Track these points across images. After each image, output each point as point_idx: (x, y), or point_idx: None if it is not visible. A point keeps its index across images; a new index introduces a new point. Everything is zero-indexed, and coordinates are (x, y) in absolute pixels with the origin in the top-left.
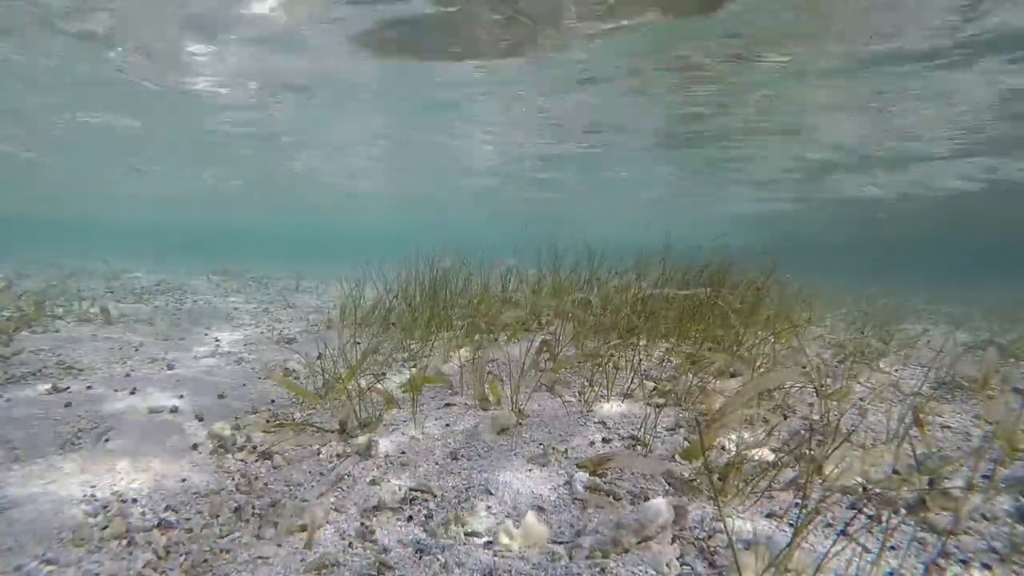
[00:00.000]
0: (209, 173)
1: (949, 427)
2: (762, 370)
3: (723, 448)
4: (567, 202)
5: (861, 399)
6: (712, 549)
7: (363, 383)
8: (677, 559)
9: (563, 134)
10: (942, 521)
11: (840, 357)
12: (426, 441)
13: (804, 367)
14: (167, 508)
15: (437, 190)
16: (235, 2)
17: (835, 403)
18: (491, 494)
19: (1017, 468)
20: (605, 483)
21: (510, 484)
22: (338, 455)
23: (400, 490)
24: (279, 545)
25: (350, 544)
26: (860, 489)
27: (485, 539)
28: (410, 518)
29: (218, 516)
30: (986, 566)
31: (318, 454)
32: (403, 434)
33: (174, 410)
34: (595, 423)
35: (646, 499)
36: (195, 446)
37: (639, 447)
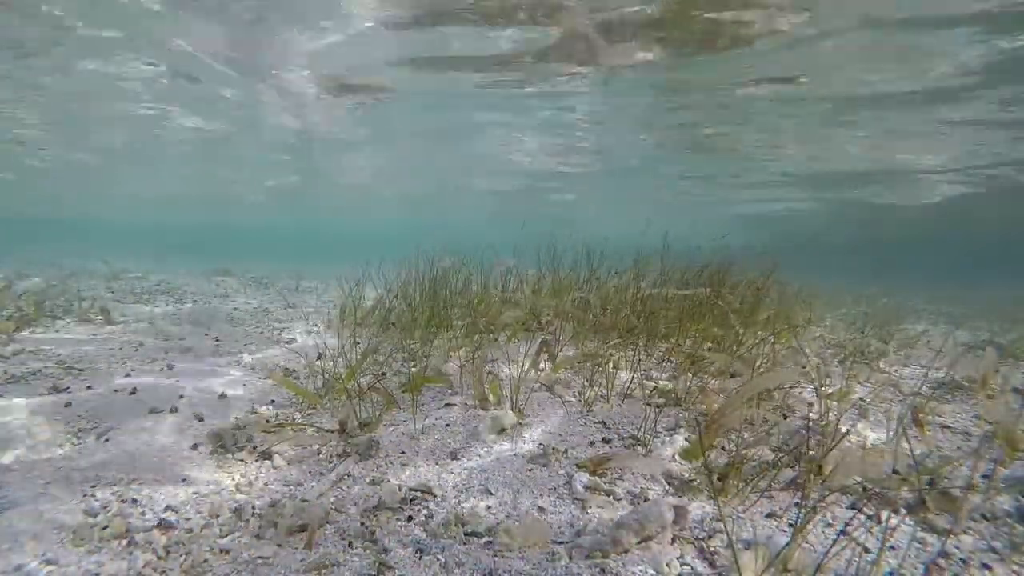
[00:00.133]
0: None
1: (949, 427)
2: (762, 370)
3: (723, 448)
4: (566, 203)
5: (861, 399)
6: (712, 549)
7: (363, 383)
8: (677, 559)
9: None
10: (942, 521)
11: (840, 357)
12: (426, 441)
13: (804, 367)
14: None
15: (447, 192)
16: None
17: (835, 403)
18: (491, 494)
19: (1017, 468)
20: (605, 483)
21: (510, 484)
22: (338, 455)
23: (400, 490)
24: (279, 545)
25: (350, 544)
26: (860, 489)
27: (485, 539)
28: (410, 518)
29: (218, 516)
30: (986, 566)
31: (318, 454)
32: (403, 434)
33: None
34: (595, 423)
35: (646, 499)
36: (195, 446)
37: (639, 447)
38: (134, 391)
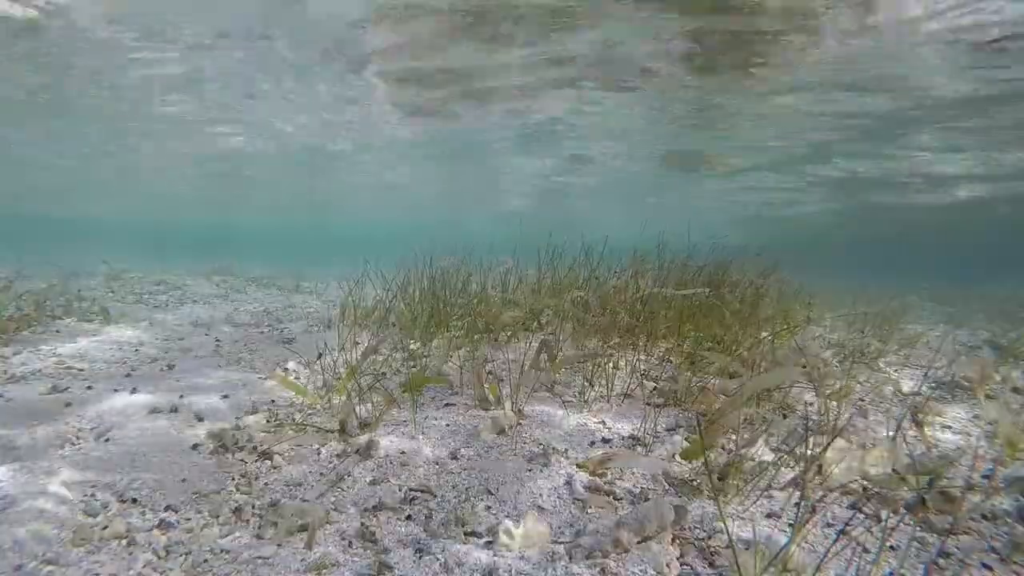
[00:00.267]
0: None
1: (949, 427)
2: (762, 370)
3: (723, 448)
4: (566, 203)
5: (861, 399)
6: (712, 549)
7: (363, 383)
8: (677, 559)
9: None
10: (942, 521)
11: (840, 357)
12: (426, 441)
13: (804, 367)
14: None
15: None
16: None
17: (834, 403)
18: (491, 494)
19: (1017, 468)
20: (605, 483)
21: (510, 484)
22: (338, 455)
23: (400, 490)
24: (279, 545)
25: (350, 544)
26: (860, 489)
27: (485, 539)
28: (410, 518)
29: (218, 516)
30: (986, 566)
31: (318, 454)
32: (403, 434)
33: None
34: (595, 423)
35: (646, 499)
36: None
37: (639, 447)
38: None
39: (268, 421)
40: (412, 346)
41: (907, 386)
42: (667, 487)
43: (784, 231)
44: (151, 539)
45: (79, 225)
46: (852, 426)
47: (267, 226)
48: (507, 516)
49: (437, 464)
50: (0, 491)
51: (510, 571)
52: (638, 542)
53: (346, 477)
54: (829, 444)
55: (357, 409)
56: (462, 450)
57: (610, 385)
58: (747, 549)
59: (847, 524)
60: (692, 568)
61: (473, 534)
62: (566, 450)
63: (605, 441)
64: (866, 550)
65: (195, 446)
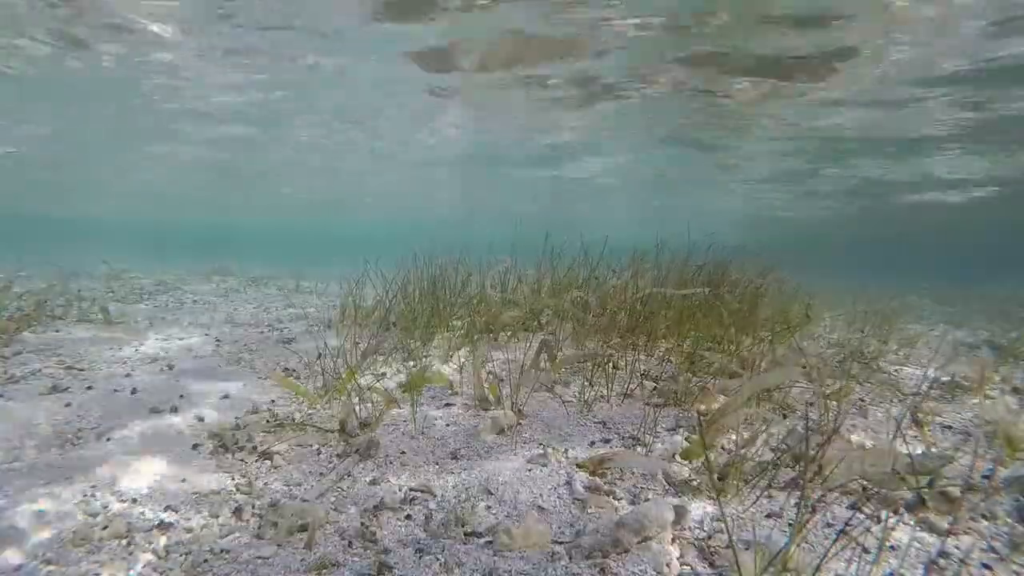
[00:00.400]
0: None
1: (949, 427)
2: (762, 369)
3: (723, 448)
4: (567, 202)
5: (861, 399)
6: (712, 549)
7: (363, 383)
8: (677, 559)
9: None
10: (942, 521)
11: (840, 357)
12: (426, 441)
13: (803, 367)
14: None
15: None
16: None
17: (834, 403)
18: (491, 494)
19: (1017, 468)
20: (605, 483)
21: (510, 484)
22: (338, 455)
23: (400, 490)
24: (279, 545)
25: (350, 544)
26: (860, 489)
27: (485, 539)
28: (409, 517)
29: (218, 516)
30: (986, 566)
31: (318, 454)
32: (403, 434)
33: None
34: (595, 423)
35: (646, 499)
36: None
37: (639, 447)
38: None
39: (268, 421)
40: (412, 346)
41: (907, 386)
42: (667, 487)
43: (784, 231)
44: (151, 539)
45: (79, 225)
46: (852, 426)
47: (267, 226)
48: (507, 516)
49: (437, 464)
50: None
51: (510, 571)
52: (638, 542)
53: (346, 477)
54: (828, 444)
55: (357, 409)
56: (462, 450)
57: (610, 385)
58: (747, 549)
59: (847, 524)
60: (692, 568)
61: (473, 534)
62: (566, 450)
63: (605, 441)
64: (866, 550)
65: (195, 446)
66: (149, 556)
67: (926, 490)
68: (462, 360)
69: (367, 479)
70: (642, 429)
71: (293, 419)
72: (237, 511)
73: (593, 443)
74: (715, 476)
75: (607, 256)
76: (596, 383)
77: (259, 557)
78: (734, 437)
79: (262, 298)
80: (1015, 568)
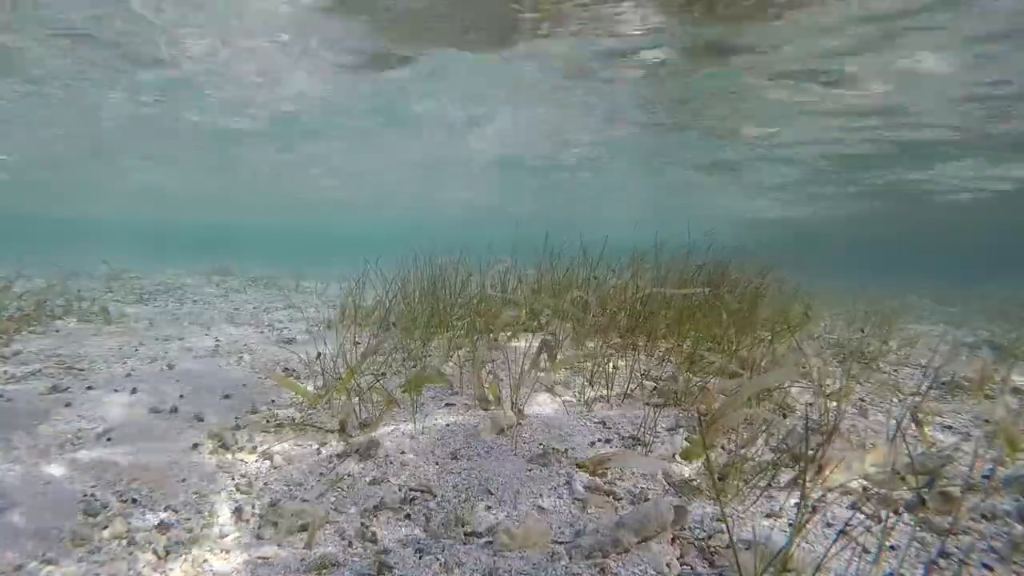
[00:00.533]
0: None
1: (949, 427)
2: (762, 369)
3: (723, 448)
4: (566, 202)
5: (861, 399)
6: (712, 549)
7: (363, 383)
8: (677, 559)
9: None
10: (942, 521)
11: (840, 357)
12: (426, 441)
13: (803, 367)
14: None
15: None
16: None
17: (834, 403)
18: (491, 494)
19: (1017, 468)
20: (605, 483)
21: (510, 484)
22: (338, 455)
23: (400, 490)
24: (279, 545)
25: (350, 544)
26: (860, 489)
27: (485, 539)
28: (410, 517)
29: (218, 516)
30: (986, 566)
31: (318, 454)
32: (403, 434)
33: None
34: (595, 423)
35: (646, 499)
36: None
37: (639, 447)
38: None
39: (268, 421)
40: (412, 346)
41: (907, 386)
42: (667, 487)
43: (784, 231)
44: (151, 539)
45: (79, 225)
46: (852, 426)
47: (267, 226)
48: (507, 516)
49: (437, 464)
50: None
51: (510, 571)
52: (638, 542)
53: (346, 477)
54: (828, 443)
55: (357, 409)
56: (462, 450)
57: (610, 385)
58: (747, 549)
59: (847, 524)
60: (692, 568)
61: (473, 534)
62: (566, 450)
63: (605, 441)
64: (866, 550)
65: (195, 446)
66: (149, 556)
67: (926, 490)
68: (462, 360)
69: (367, 479)
70: (642, 429)
71: (293, 419)
72: (237, 511)
73: (593, 443)
74: (715, 476)
75: (607, 256)
76: (596, 383)
77: (259, 557)
78: (734, 437)
79: (262, 298)
80: (1015, 568)
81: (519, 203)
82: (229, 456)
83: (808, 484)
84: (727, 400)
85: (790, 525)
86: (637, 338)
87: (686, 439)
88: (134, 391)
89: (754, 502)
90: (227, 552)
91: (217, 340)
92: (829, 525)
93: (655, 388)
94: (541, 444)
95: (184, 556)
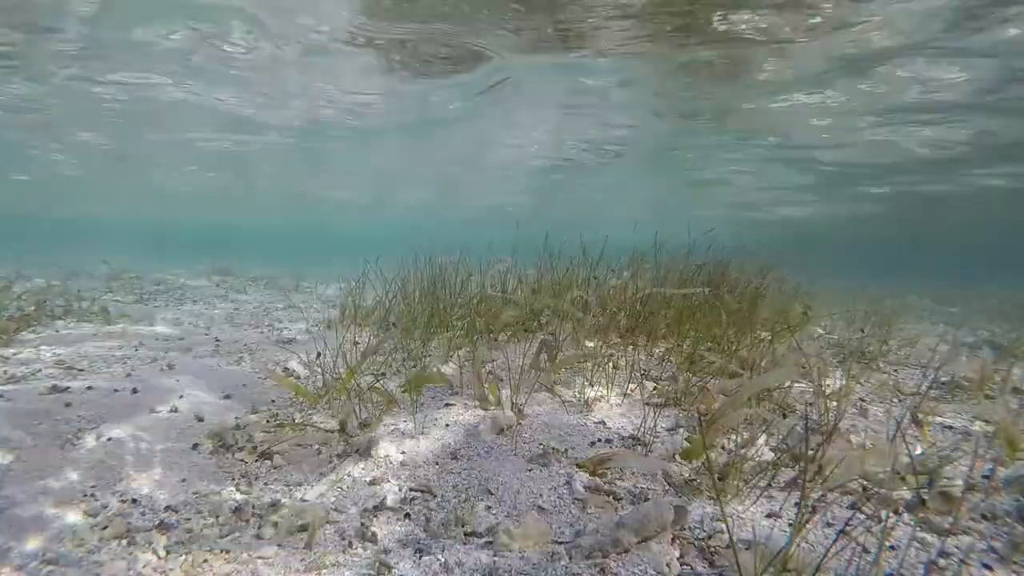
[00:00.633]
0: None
1: (950, 427)
2: (762, 369)
3: (723, 448)
4: (565, 202)
5: (862, 399)
6: (712, 549)
7: (363, 383)
8: (677, 559)
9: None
10: (942, 521)
11: (840, 357)
12: (426, 441)
13: (803, 367)
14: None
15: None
16: None
17: (834, 403)
18: (491, 494)
19: (1017, 468)
20: (605, 483)
21: (510, 484)
22: (338, 455)
23: (400, 490)
24: (279, 545)
25: (350, 544)
26: (860, 489)
27: (485, 539)
28: (409, 517)
29: (218, 516)
30: (986, 566)
31: (318, 454)
32: (403, 434)
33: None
34: (595, 423)
35: (646, 499)
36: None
37: (639, 447)
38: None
39: (268, 421)
40: (412, 346)
41: (907, 386)
42: (667, 487)
43: (783, 232)
44: (151, 539)
45: (79, 225)
46: (852, 426)
47: (267, 226)
48: (507, 516)
49: (437, 464)
50: None
51: (510, 571)
52: (638, 542)
53: (346, 477)
54: (828, 443)
55: (357, 409)
56: (462, 450)
57: (610, 385)
58: (747, 549)
59: (847, 524)
60: (692, 568)
61: (473, 534)
62: (566, 450)
63: (605, 441)
64: (866, 550)
65: (195, 446)
66: (149, 556)
67: (926, 490)
68: (462, 360)
69: (367, 479)
70: (642, 429)
71: (293, 419)
72: (237, 511)
73: (593, 443)
74: (715, 476)
75: (607, 256)
76: (596, 383)
77: (259, 557)
78: (734, 437)
79: (262, 298)
80: (1015, 568)
81: (529, 203)
82: (229, 456)
83: (808, 484)
84: (727, 400)
85: (790, 525)
86: (637, 338)
87: (686, 439)
88: (134, 391)
89: (754, 502)
90: (227, 552)
91: (217, 340)
92: (829, 525)
93: (655, 388)
94: (541, 444)
95: (184, 556)
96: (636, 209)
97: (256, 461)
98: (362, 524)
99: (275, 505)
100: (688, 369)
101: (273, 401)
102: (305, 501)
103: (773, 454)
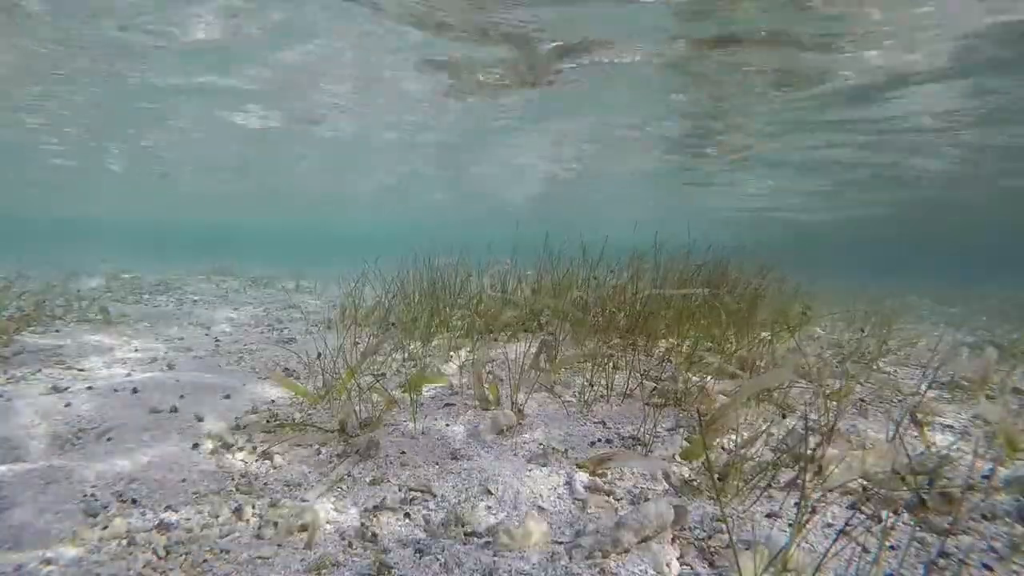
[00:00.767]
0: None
1: (950, 427)
2: (762, 370)
3: (723, 448)
4: (566, 201)
5: (861, 399)
6: (712, 549)
7: (363, 383)
8: (677, 559)
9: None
10: (942, 521)
11: (840, 357)
12: (426, 441)
13: (803, 367)
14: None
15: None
16: None
17: (834, 403)
18: (491, 494)
19: (1017, 468)
20: (605, 483)
21: (510, 484)
22: (338, 455)
23: (400, 490)
24: (279, 545)
25: (350, 544)
26: (860, 489)
27: (485, 539)
28: (409, 517)
29: (218, 516)
30: (986, 566)
31: (318, 454)
32: (403, 434)
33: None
34: (595, 423)
35: (646, 499)
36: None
37: (639, 447)
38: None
39: (268, 421)
40: (412, 346)
41: (907, 386)
42: (667, 487)
43: (783, 232)
44: (151, 539)
45: (79, 225)
46: (852, 426)
47: (267, 226)
48: (507, 516)
49: (437, 464)
50: None
51: (510, 571)
52: (638, 542)
53: (346, 477)
54: (827, 443)
55: (357, 409)
56: (462, 450)
57: (610, 385)
58: (747, 549)
59: (847, 524)
60: (692, 568)
61: (473, 534)
62: (566, 450)
63: (605, 441)
64: (866, 550)
65: (195, 445)
66: (149, 556)
67: (926, 490)
68: (462, 360)
69: (367, 479)
70: (642, 429)
71: (293, 419)
72: (237, 511)
73: (593, 443)
74: (715, 476)
75: (606, 256)
76: (596, 383)
77: (259, 557)
78: (734, 437)
79: (262, 298)
80: (1015, 568)
81: (528, 205)
82: (229, 456)
83: (808, 484)
84: (727, 400)
85: (790, 525)
86: (637, 338)
87: (686, 439)
88: (134, 391)
89: (754, 502)
90: (227, 552)
91: (217, 340)
92: (829, 525)
93: (655, 388)
94: (541, 444)
95: (184, 556)
96: (636, 209)
97: (256, 461)
98: (362, 524)
99: (275, 505)
100: (688, 369)
101: (273, 401)
102: (305, 501)
103: (773, 454)
